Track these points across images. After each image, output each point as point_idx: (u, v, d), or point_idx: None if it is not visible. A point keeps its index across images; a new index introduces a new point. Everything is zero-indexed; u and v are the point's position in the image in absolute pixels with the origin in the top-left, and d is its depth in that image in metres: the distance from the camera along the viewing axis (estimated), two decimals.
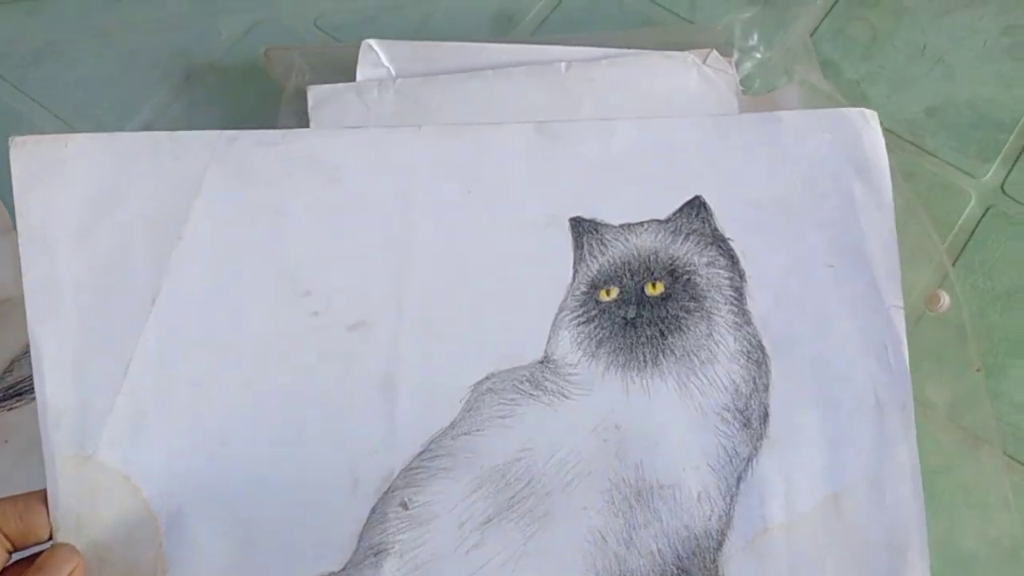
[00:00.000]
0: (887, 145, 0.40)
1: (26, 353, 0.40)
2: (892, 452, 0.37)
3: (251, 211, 0.39)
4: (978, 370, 0.43)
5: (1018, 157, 0.50)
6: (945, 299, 0.43)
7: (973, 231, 0.48)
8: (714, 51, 0.49)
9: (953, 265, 0.47)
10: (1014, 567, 0.41)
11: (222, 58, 0.57)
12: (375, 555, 0.37)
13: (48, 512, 0.37)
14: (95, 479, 0.37)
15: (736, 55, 0.51)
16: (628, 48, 0.50)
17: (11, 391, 0.47)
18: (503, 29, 0.57)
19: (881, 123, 0.40)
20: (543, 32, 0.56)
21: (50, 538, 0.37)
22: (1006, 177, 0.50)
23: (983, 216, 0.48)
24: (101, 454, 0.37)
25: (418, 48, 0.50)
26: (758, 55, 0.52)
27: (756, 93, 0.51)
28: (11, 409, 0.46)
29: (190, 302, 0.38)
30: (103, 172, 0.38)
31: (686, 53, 0.49)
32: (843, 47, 0.54)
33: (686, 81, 0.49)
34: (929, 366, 0.43)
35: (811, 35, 0.54)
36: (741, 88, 0.50)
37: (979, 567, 0.41)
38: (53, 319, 0.37)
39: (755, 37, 0.52)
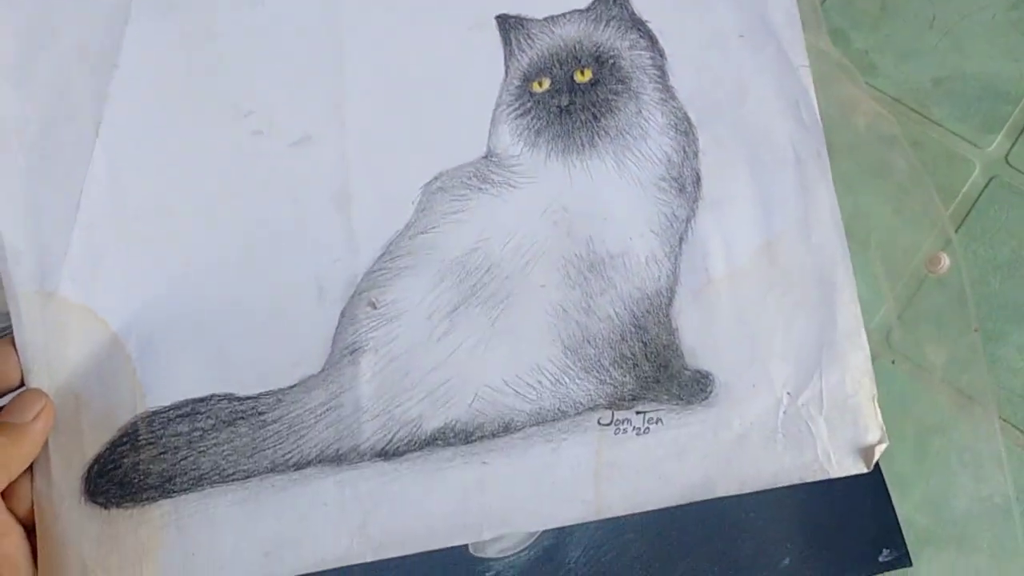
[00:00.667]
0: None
1: None
2: (814, 197, 0.40)
3: (183, 35, 0.38)
4: (976, 330, 0.44)
5: (1023, 129, 0.50)
6: (945, 260, 0.45)
7: (976, 200, 0.48)
8: None
9: (955, 232, 0.48)
10: (1006, 525, 0.42)
11: None
12: (351, 354, 0.38)
13: (17, 356, 0.37)
14: (60, 317, 0.37)
15: None
16: None
17: None
18: None
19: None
20: None
21: (22, 384, 0.37)
22: (1010, 148, 0.50)
23: (986, 186, 0.49)
24: (63, 290, 0.37)
25: None
26: None
27: None
28: None
29: (134, 130, 0.38)
30: (32, 4, 0.38)
31: None
32: (852, 16, 0.53)
33: None
34: (928, 328, 0.45)
35: (821, 3, 0.53)
36: None
37: (972, 525, 0.43)
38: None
39: None
